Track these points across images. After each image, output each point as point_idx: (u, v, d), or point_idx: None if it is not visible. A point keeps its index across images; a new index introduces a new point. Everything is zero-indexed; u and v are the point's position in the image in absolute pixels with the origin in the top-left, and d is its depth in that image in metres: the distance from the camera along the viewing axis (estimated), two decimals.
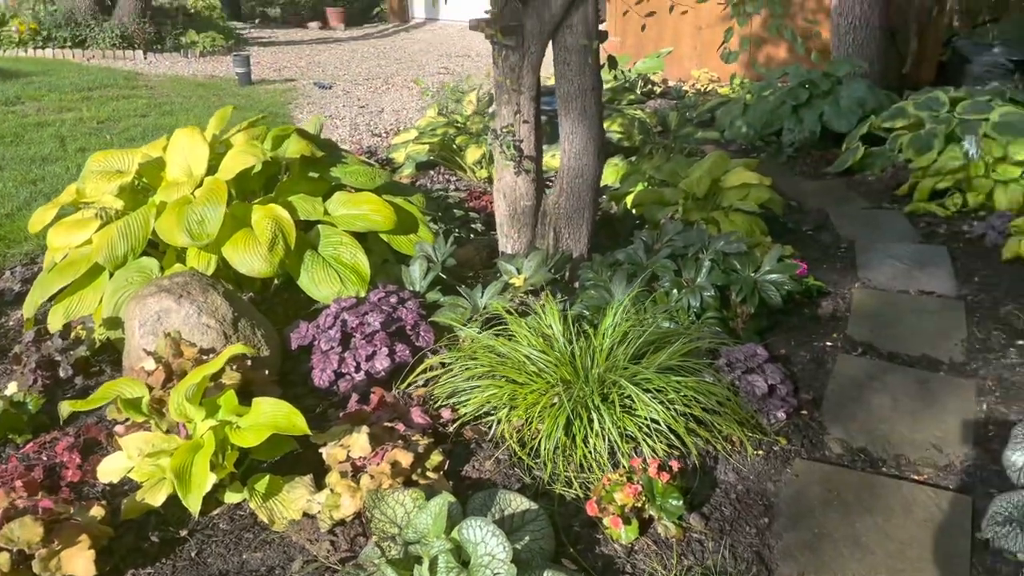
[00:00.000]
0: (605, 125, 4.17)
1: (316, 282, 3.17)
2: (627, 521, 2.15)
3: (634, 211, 4.27)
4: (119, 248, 3.06)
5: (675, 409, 2.48)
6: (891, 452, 2.53)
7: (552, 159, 4.86)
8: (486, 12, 3.21)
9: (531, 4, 3.08)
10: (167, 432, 2.37)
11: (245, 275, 3.09)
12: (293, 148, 3.41)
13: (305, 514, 2.23)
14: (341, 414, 2.59)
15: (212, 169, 3.27)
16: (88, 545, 2.02)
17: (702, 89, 8.49)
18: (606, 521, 2.17)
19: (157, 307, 2.74)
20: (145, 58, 10.84)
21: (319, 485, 2.30)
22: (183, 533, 2.23)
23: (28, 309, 3.22)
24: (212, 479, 2.15)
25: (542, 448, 2.44)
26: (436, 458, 2.36)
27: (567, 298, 3.17)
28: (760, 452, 2.52)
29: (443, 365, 2.82)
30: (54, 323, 3.14)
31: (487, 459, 2.50)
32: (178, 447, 2.22)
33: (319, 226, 3.33)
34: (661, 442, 2.43)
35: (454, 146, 5.55)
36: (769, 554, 2.13)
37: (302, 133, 3.54)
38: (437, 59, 11.27)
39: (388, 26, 15.45)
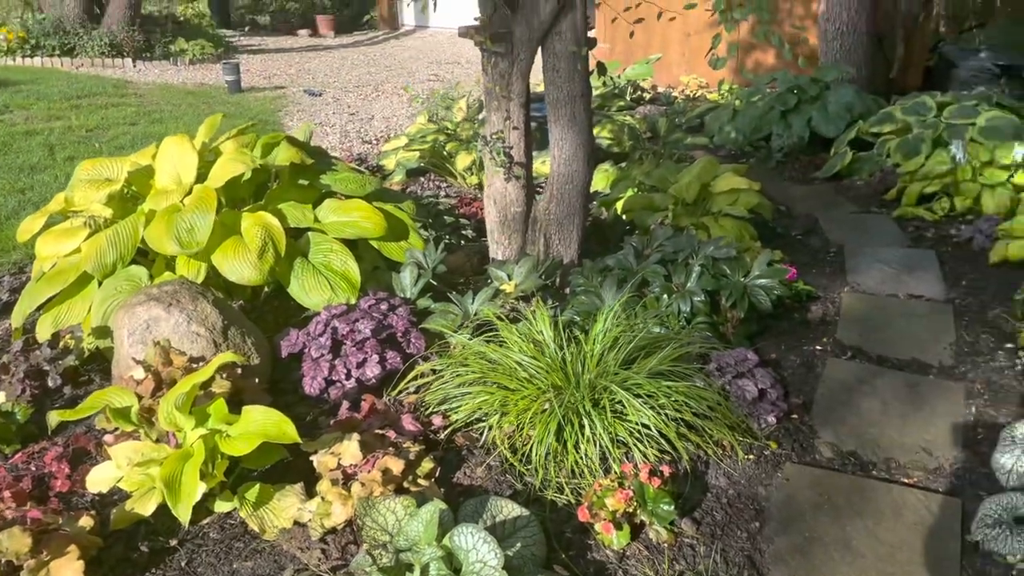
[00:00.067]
0: (595, 131, 4.18)
1: (306, 289, 3.16)
2: (619, 526, 2.15)
3: (624, 217, 4.28)
4: (108, 257, 3.05)
5: (666, 414, 2.48)
6: (881, 455, 2.54)
7: (542, 165, 4.88)
8: (475, 19, 3.22)
9: (520, 11, 3.09)
10: (157, 441, 2.36)
11: (235, 283, 3.08)
12: (283, 155, 3.41)
13: (296, 522, 2.22)
14: (332, 422, 2.58)
15: (201, 177, 3.26)
16: (77, 555, 2.01)
17: (691, 95, 8.53)
18: (598, 527, 2.17)
19: (146, 316, 2.73)
20: (134, 66, 10.81)
21: (310, 493, 2.29)
22: (173, 543, 2.22)
23: (16, 319, 3.20)
24: (202, 488, 2.14)
25: (533, 454, 2.44)
26: (427, 465, 2.35)
27: (558, 304, 3.18)
28: (751, 456, 2.53)
29: (434, 372, 2.82)
30: (43, 332, 3.12)
31: (478, 466, 2.50)
32: (168, 456, 2.21)
33: (309, 233, 3.33)
34: (652, 447, 2.44)
35: (444, 153, 5.55)
36: (760, 558, 2.14)
37: (292, 140, 3.53)
38: (427, 66, 11.29)
39: (378, 33, 15.48)
